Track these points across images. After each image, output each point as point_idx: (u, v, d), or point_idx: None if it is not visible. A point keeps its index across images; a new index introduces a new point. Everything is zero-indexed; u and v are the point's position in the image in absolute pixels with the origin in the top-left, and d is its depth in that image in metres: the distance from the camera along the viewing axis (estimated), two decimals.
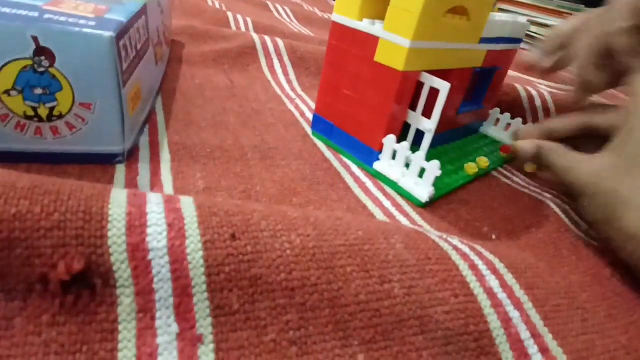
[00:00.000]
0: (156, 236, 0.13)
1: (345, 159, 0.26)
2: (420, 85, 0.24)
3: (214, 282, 0.13)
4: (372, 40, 0.23)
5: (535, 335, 0.16)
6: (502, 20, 0.28)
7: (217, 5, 0.59)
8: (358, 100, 0.24)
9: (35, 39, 0.16)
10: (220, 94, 0.32)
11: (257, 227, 0.15)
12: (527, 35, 0.93)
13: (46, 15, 0.17)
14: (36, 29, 0.16)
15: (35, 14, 0.17)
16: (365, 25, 0.23)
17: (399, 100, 0.23)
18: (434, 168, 0.22)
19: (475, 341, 0.15)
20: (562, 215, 0.25)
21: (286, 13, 0.67)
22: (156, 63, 0.28)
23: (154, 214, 0.14)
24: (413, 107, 0.24)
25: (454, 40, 0.24)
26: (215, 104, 0.30)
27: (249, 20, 0.50)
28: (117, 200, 0.14)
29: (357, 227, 0.16)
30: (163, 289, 0.13)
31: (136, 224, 0.13)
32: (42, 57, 0.16)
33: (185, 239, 0.13)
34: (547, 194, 0.27)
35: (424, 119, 0.24)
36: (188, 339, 0.13)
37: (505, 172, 0.31)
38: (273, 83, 0.36)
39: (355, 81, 0.24)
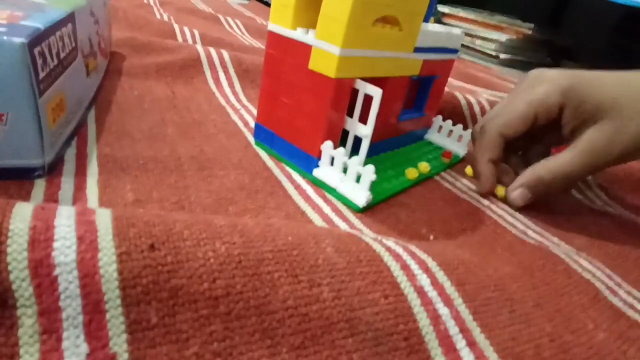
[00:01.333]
0: (64, 250, 0.12)
1: (287, 168, 0.26)
2: (356, 92, 0.24)
3: (130, 296, 0.12)
4: (305, 49, 0.23)
5: (463, 330, 0.16)
6: (435, 30, 0.30)
7: (165, 18, 0.58)
8: (296, 108, 0.25)
9: None
10: (160, 106, 0.31)
11: (179, 236, 0.14)
12: (468, 48, 0.98)
13: None
14: None
15: None
16: (299, 34, 0.23)
17: (335, 107, 0.23)
18: (369, 172, 0.22)
19: (405, 340, 0.15)
20: (499, 220, 0.26)
21: (237, 26, 0.67)
22: (88, 74, 0.27)
23: (62, 228, 0.13)
24: (353, 115, 0.25)
25: (387, 48, 0.25)
26: (153, 116, 0.29)
27: (196, 32, 0.50)
28: (21, 214, 0.13)
29: (287, 233, 0.16)
30: (71, 306, 0.12)
31: (41, 238, 0.12)
32: None
33: (97, 251, 0.13)
34: (485, 201, 0.28)
35: (361, 125, 0.24)
36: (100, 359, 0.12)
37: (448, 177, 0.32)
38: (218, 95, 0.36)
39: (293, 89, 0.24)
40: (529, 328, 0.17)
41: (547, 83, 0.27)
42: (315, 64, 0.23)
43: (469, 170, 0.32)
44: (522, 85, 0.29)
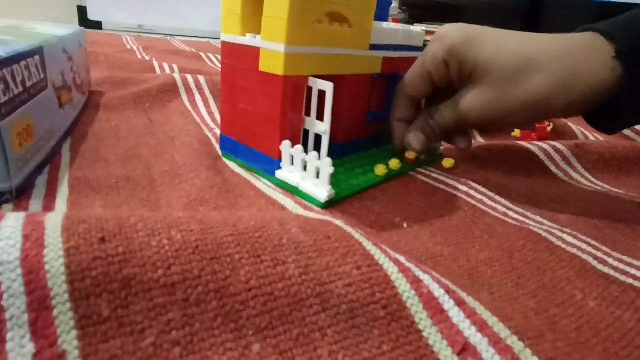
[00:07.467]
0: (7, 249, 0.12)
1: (254, 174, 0.26)
2: (312, 91, 0.24)
3: (78, 290, 0.12)
4: (255, 52, 0.23)
5: (449, 291, 0.15)
6: (391, 28, 0.30)
7: (146, 58, 0.59)
8: (253, 112, 0.25)
9: None
10: (137, 132, 0.31)
11: (132, 228, 0.14)
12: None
13: None
14: None
15: None
16: (248, 39, 0.24)
17: (289, 106, 0.23)
18: (326, 166, 0.21)
19: (385, 308, 0.14)
20: (478, 204, 0.25)
21: (218, 60, 0.69)
22: (61, 106, 0.28)
23: (8, 228, 0.12)
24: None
25: (339, 46, 0.25)
26: (129, 141, 0.29)
27: (175, 67, 0.51)
28: None
29: (250, 219, 0.16)
30: (15, 305, 0.11)
31: None
32: None
33: (43, 248, 0.12)
34: (463, 187, 0.27)
35: (318, 122, 0.24)
36: (47, 358, 0.11)
37: (424, 171, 0.30)
38: (194, 114, 0.36)
39: (249, 94, 0.25)
40: (511, 306, 0.16)
41: (439, 41, 0.27)
42: (265, 64, 0.23)
43: (446, 162, 0.31)
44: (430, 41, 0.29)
